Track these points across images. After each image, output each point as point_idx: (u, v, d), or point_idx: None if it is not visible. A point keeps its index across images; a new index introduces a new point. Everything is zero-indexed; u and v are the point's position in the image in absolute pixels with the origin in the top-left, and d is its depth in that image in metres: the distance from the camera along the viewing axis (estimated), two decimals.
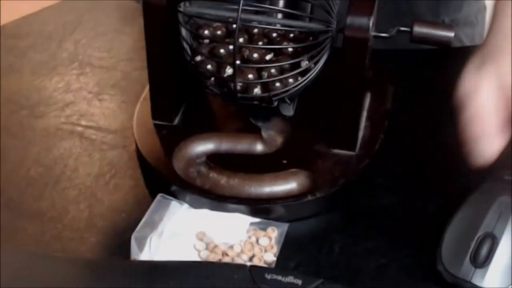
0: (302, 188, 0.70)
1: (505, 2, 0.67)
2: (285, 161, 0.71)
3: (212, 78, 0.70)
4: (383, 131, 0.74)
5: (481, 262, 0.62)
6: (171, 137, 0.74)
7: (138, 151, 0.74)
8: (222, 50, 0.69)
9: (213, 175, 0.70)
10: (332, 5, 0.67)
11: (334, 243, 0.67)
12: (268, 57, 0.70)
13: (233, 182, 0.70)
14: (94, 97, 0.82)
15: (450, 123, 0.80)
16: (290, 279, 0.60)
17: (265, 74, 0.69)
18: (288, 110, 0.75)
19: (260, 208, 0.68)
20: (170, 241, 0.65)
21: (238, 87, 0.68)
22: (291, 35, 0.71)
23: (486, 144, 0.65)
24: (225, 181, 0.70)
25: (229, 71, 0.68)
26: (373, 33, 0.67)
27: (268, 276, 0.60)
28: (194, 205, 0.68)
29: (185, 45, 0.69)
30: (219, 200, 0.68)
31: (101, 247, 0.67)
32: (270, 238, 0.67)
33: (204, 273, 0.61)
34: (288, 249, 0.66)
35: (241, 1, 0.64)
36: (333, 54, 0.68)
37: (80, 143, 0.76)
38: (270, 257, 0.65)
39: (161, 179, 0.70)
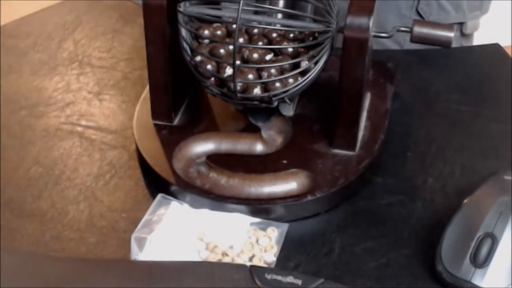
0: (302, 188, 0.70)
1: None
2: (285, 161, 0.71)
3: (212, 78, 0.70)
4: (383, 131, 0.74)
5: (481, 262, 0.62)
6: (171, 137, 0.74)
7: (138, 151, 0.74)
8: (222, 50, 0.69)
9: (213, 175, 0.70)
10: (332, 5, 0.67)
11: (334, 243, 0.67)
12: (268, 57, 0.70)
13: (233, 182, 0.70)
14: (94, 97, 0.82)
15: (450, 123, 0.80)
16: (290, 279, 0.60)
17: (265, 74, 0.68)
18: (288, 110, 0.75)
19: (260, 208, 0.68)
20: (170, 241, 0.65)
21: (238, 87, 0.68)
22: (291, 35, 0.71)
23: None
24: (225, 181, 0.70)
25: (229, 71, 0.68)
26: (373, 33, 0.67)
27: (268, 276, 0.60)
28: (194, 205, 0.68)
29: (185, 45, 0.69)
30: (219, 200, 0.68)
31: (101, 247, 0.67)
32: (270, 238, 0.67)
33: (204, 273, 0.61)
34: (288, 249, 0.66)
35: (241, 1, 0.64)
36: (333, 54, 0.68)
37: (80, 143, 0.76)
38: (270, 257, 0.65)
39: (161, 179, 0.70)
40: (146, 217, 0.67)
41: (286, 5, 0.72)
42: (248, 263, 0.64)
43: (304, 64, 0.68)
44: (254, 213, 0.68)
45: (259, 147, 0.73)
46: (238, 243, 0.66)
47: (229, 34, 0.71)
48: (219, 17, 0.71)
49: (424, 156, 0.75)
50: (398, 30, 0.70)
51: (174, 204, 0.68)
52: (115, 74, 0.85)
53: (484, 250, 0.62)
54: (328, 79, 0.72)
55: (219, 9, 0.72)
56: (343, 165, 0.71)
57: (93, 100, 0.82)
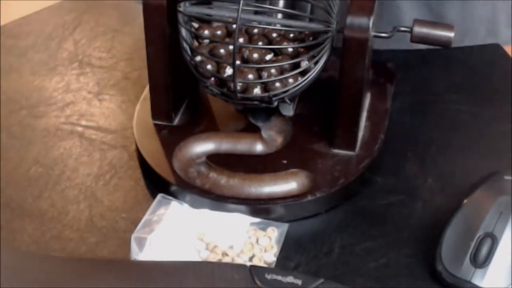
0: (302, 188, 0.70)
1: None
2: (285, 161, 0.71)
3: (212, 78, 0.70)
4: (383, 131, 0.74)
5: (481, 262, 0.62)
6: (171, 137, 0.74)
7: (138, 151, 0.74)
8: (222, 50, 0.69)
9: (213, 175, 0.70)
10: (332, 5, 0.67)
11: (334, 243, 0.67)
12: (268, 57, 0.70)
13: (233, 182, 0.70)
14: (94, 97, 0.82)
15: (450, 123, 0.80)
16: (290, 279, 0.60)
17: (265, 74, 0.68)
18: (288, 110, 0.75)
19: (260, 208, 0.68)
20: (170, 241, 0.65)
21: (238, 87, 0.68)
22: (291, 35, 0.71)
23: None
24: (225, 181, 0.70)
25: (229, 71, 0.68)
26: (373, 33, 0.67)
27: (268, 276, 0.60)
28: (194, 205, 0.68)
29: (185, 45, 0.69)
30: (219, 200, 0.68)
31: (101, 247, 0.67)
32: (270, 238, 0.67)
33: (204, 273, 0.61)
34: (288, 249, 0.66)
35: (241, 1, 0.64)
36: (333, 54, 0.68)
37: (80, 143, 0.76)
38: (270, 257, 0.65)
39: (161, 179, 0.70)
40: (146, 217, 0.67)
41: (286, 5, 0.72)
42: (248, 263, 0.64)
43: (304, 64, 0.68)
44: (254, 213, 0.68)
45: (259, 147, 0.73)
46: (238, 243, 0.66)
47: (229, 34, 0.71)
48: (219, 17, 0.71)
49: (424, 156, 0.75)
50: (398, 30, 0.70)
51: (174, 204, 0.68)
52: (115, 74, 0.85)
53: (484, 250, 0.62)
54: (328, 79, 0.72)
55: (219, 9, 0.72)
56: (343, 165, 0.71)
57: (93, 100, 0.82)
